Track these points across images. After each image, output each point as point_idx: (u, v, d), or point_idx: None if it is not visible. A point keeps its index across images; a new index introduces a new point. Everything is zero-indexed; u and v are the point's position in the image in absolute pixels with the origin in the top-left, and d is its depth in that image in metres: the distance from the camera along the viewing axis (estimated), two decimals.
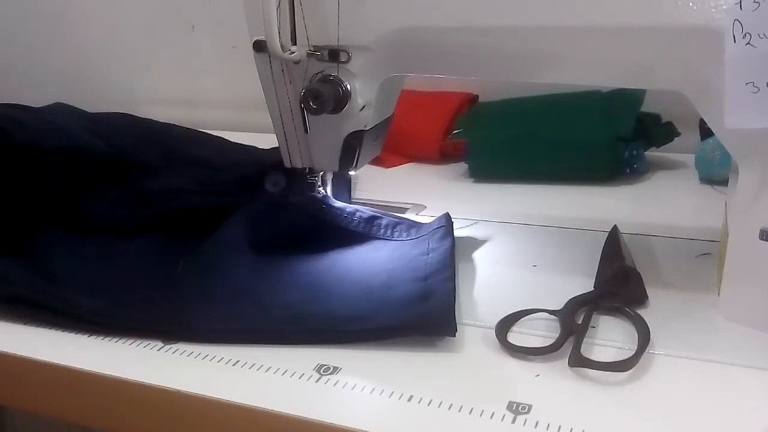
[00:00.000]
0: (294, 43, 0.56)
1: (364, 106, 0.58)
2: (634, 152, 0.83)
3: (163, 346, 0.50)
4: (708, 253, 0.61)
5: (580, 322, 0.49)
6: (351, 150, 0.61)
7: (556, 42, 0.51)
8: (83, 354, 0.50)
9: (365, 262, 0.60)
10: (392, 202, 0.77)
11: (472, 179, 0.87)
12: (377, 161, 0.91)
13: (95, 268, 0.61)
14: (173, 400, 0.46)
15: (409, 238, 0.64)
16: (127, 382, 0.47)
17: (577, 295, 0.53)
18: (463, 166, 0.90)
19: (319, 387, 0.45)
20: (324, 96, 0.54)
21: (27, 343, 0.51)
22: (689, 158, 0.84)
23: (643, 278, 0.55)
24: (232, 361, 0.48)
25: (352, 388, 0.45)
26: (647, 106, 0.84)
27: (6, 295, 0.55)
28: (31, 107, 0.78)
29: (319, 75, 0.57)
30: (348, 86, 0.57)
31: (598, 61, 0.51)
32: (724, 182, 0.70)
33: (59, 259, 0.61)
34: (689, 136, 0.84)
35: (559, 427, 0.40)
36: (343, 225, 0.65)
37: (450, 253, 0.58)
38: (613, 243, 0.60)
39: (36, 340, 0.52)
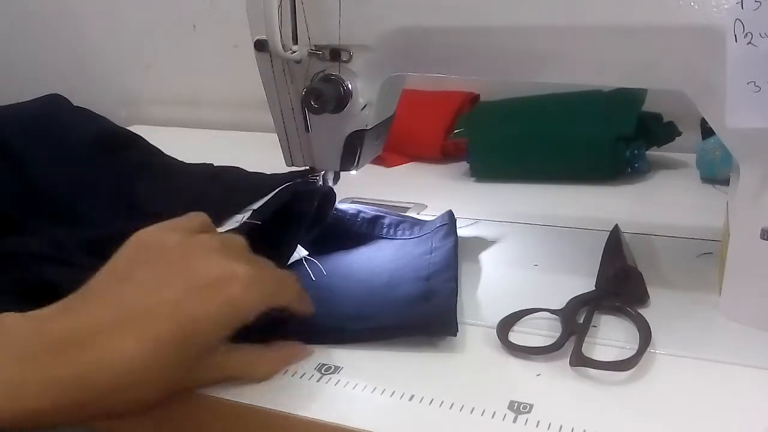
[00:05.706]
0: (295, 42, 0.56)
1: (365, 106, 0.58)
2: (636, 152, 0.83)
3: None
4: (709, 253, 0.61)
5: (581, 321, 0.49)
6: (352, 149, 0.61)
7: (557, 42, 0.51)
8: None
9: (368, 262, 0.60)
10: (394, 202, 0.77)
11: (473, 179, 0.87)
12: (378, 161, 0.91)
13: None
14: (173, 399, 0.46)
15: (412, 236, 0.64)
16: None
17: (579, 295, 0.53)
18: (464, 166, 0.90)
19: (320, 386, 0.45)
20: (325, 95, 0.54)
21: None
22: (690, 158, 0.84)
23: (644, 278, 0.55)
24: None
25: (354, 388, 0.45)
26: (648, 106, 0.84)
27: None
28: None
29: (321, 74, 0.57)
30: (349, 85, 0.57)
31: (599, 60, 0.51)
32: (726, 182, 0.70)
33: None
34: (690, 136, 0.84)
35: (561, 426, 0.40)
36: (346, 227, 0.65)
37: (453, 252, 0.58)
38: (615, 242, 0.60)
39: None
